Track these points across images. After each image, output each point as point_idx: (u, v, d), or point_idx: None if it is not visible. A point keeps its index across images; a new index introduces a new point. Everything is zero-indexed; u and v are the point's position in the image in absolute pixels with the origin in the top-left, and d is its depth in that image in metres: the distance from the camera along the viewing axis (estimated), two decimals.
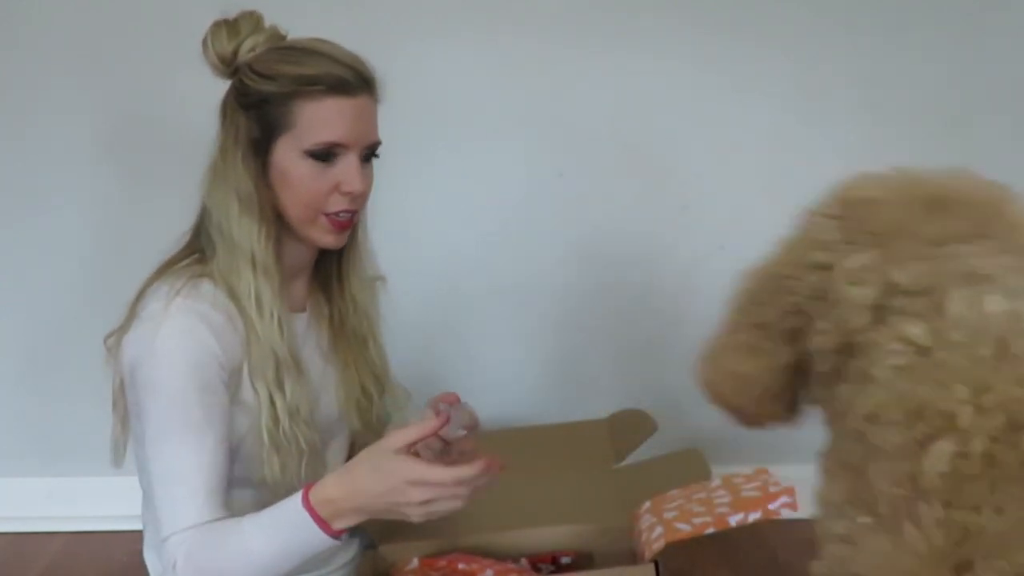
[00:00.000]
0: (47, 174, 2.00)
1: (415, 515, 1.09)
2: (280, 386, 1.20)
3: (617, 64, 1.99)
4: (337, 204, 1.21)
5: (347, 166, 1.19)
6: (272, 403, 1.19)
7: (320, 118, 1.17)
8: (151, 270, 1.24)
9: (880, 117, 2.02)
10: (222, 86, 1.24)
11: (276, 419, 1.19)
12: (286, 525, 1.11)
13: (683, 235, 2.06)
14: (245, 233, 1.19)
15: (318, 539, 1.10)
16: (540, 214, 2.04)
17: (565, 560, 1.34)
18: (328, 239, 1.23)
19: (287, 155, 1.19)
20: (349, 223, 1.24)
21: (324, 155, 1.18)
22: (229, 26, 1.20)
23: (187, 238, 1.26)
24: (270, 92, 1.17)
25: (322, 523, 1.09)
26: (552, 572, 1.33)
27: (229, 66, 1.21)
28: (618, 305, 2.08)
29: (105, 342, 1.22)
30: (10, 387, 2.09)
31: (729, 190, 2.05)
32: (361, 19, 1.92)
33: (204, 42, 1.21)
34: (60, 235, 2.02)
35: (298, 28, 1.25)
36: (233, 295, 1.19)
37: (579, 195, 2.03)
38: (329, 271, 1.34)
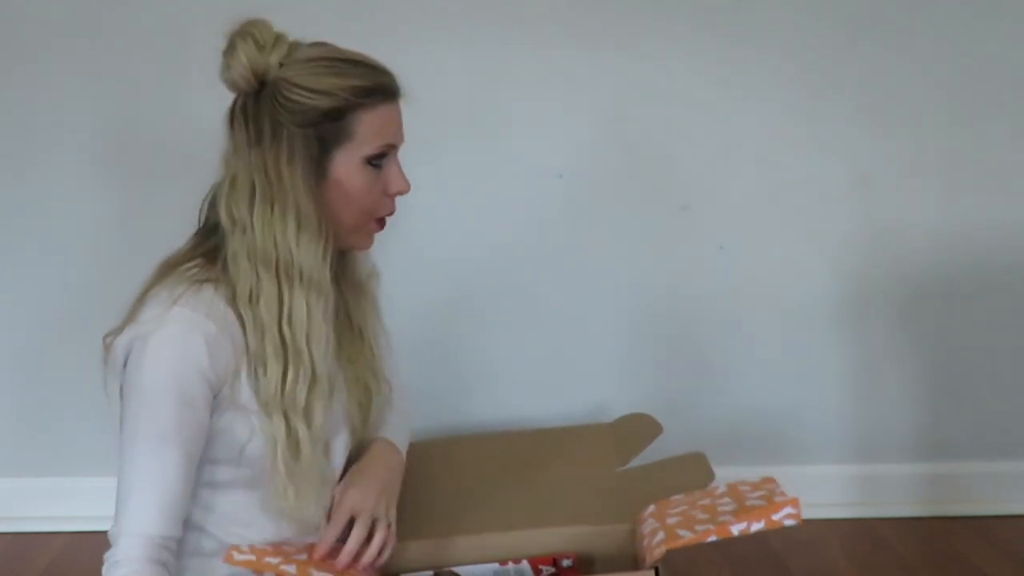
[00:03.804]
0: (50, 176, 2.00)
1: None
2: (308, 413, 1.19)
3: (617, 65, 1.99)
4: (387, 207, 1.26)
5: (392, 168, 1.24)
6: (291, 430, 1.18)
7: (378, 125, 1.20)
8: (150, 273, 1.24)
9: (880, 117, 2.03)
10: (226, 89, 1.23)
11: (297, 449, 1.18)
12: None
13: (683, 235, 2.06)
14: (305, 253, 1.17)
15: None
16: (540, 216, 2.04)
17: (566, 563, 1.34)
18: (367, 242, 1.28)
19: (347, 166, 1.20)
20: (385, 223, 1.29)
21: (380, 160, 1.22)
22: (254, 39, 1.17)
23: (193, 241, 1.25)
24: (328, 107, 1.17)
25: None
26: (553, 574, 1.33)
27: (259, 80, 1.18)
28: (619, 306, 2.08)
29: (104, 340, 1.22)
30: (11, 387, 2.08)
31: (729, 190, 2.05)
32: (363, 23, 1.92)
33: (232, 56, 1.17)
34: (61, 236, 2.02)
35: (303, 33, 1.25)
36: (245, 316, 1.17)
37: (579, 196, 2.03)
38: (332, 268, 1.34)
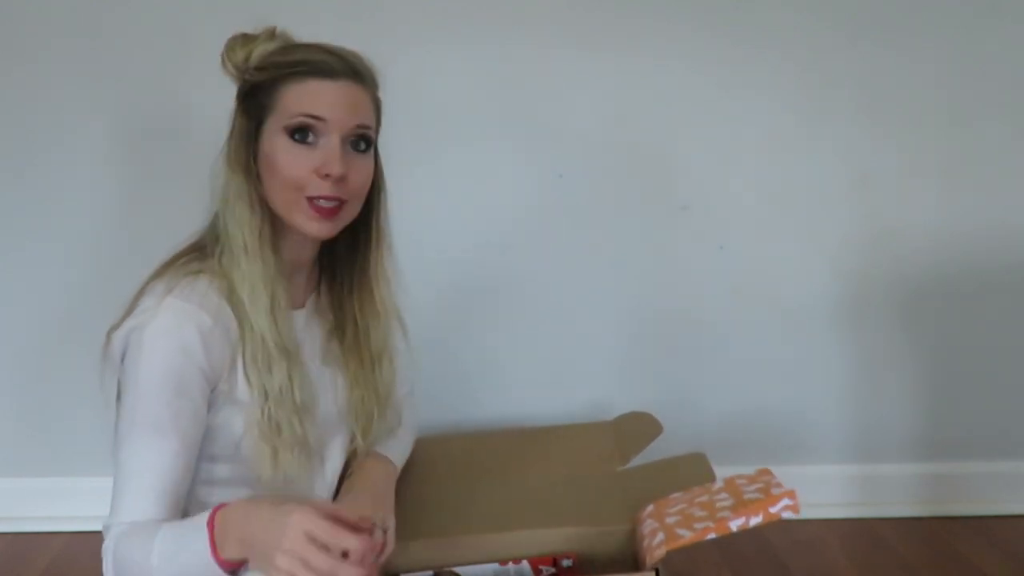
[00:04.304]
0: (50, 176, 2.00)
1: (281, 564, 0.98)
2: (270, 372, 1.20)
3: (617, 65, 1.99)
4: (318, 188, 1.20)
5: (327, 147, 1.20)
6: (265, 392, 1.20)
7: (301, 96, 1.20)
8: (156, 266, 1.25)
9: (880, 117, 2.03)
10: (231, 88, 1.26)
11: (268, 407, 1.20)
12: (186, 538, 1.08)
13: (683, 235, 2.06)
14: (237, 221, 1.21)
15: (205, 561, 1.05)
16: (540, 216, 2.04)
17: (566, 563, 1.34)
18: (311, 226, 1.22)
19: (270, 137, 1.21)
20: (332, 212, 1.22)
21: (303, 132, 1.20)
22: (244, 37, 1.24)
23: (196, 236, 1.27)
24: (260, 80, 1.21)
25: (213, 544, 1.05)
26: (553, 574, 1.33)
27: (242, 73, 1.23)
28: (619, 306, 2.08)
29: (107, 335, 1.22)
30: (11, 387, 2.08)
31: (729, 190, 2.05)
32: (363, 23, 1.92)
33: (222, 55, 1.24)
34: (61, 236, 2.02)
35: (307, 34, 1.27)
36: (231, 290, 1.20)
37: (579, 196, 2.03)
38: (347, 285, 1.34)
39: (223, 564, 1.05)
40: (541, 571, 1.33)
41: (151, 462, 1.15)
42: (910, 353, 2.11)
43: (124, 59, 1.96)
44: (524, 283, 2.07)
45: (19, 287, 2.04)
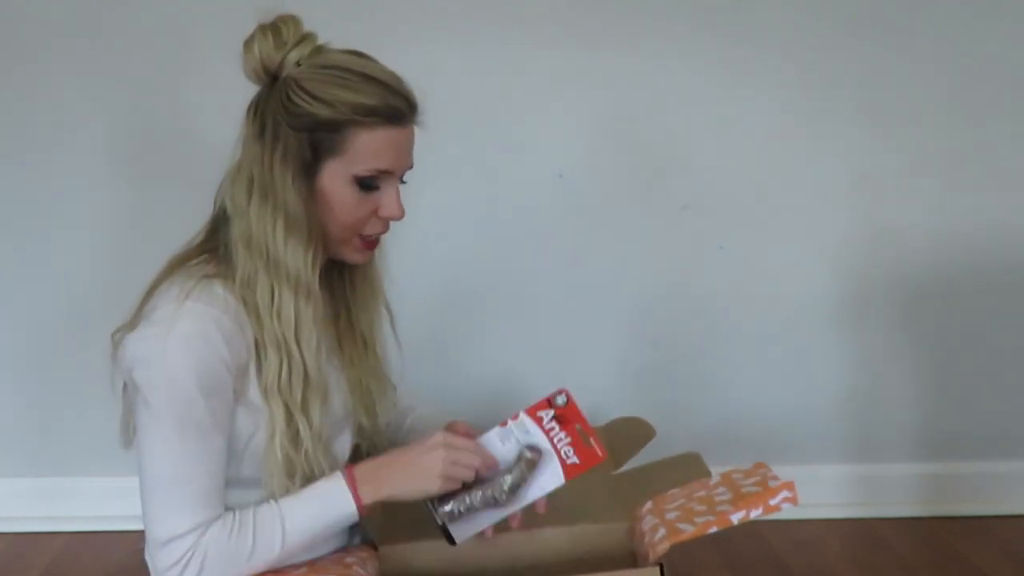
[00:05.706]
0: (49, 177, 2.00)
1: (438, 472, 1.18)
2: (306, 410, 1.20)
3: (617, 65, 1.99)
4: (374, 228, 1.23)
5: (388, 192, 1.21)
6: (291, 420, 1.19)
7: (373, 147, 1.18)
8: (158, 270, 1.24)
9: (880, 117, 2.03)
10: (232, 93, 1.21)
11: (297, 441, 1.19)
12: (320, 500, 1.18)
13: (683, 235, 2.06)
14: (292, 255, 1.17)
15: (346, 509, 1.18)
16: (540, 215, 2.04)
17: (560, 400, 1.33)
18: (357, 257, 1.26)
19: (334, 179, 1.19)
20: (377, 242, 1.27)
21: (371, 182, 1.20)
22: (275, 33, 1.18)
23: (200, 236, 1.25)
24: (325, 117, 1.16)
25: (356, 492, 1.18)
26: (553, 417, 1.32)
27: (270, 75, 1.19)
28: (619, 306, 2.08)
29: (112, 337, 1.21)
30: (11, 387, 2.08)
31: (729, 190, 2.05)
32: (363, 23, 1.92)
33: (248, 47, 1.18)
34: (62, 236, 2.02)
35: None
36: (247, 302, 1.19)
37: (579, 196, 2.03)
38: (339, 270, 1.34)
39: (363, 509, 1.19)
40: (542, 419, 1.32)
41: (203, 464, 1.14)
42: (910, 353, 2.11)
43: (124, 59, 1.96)
44: (524, 283, 2.07)
45: (19, 287, 2.04)
